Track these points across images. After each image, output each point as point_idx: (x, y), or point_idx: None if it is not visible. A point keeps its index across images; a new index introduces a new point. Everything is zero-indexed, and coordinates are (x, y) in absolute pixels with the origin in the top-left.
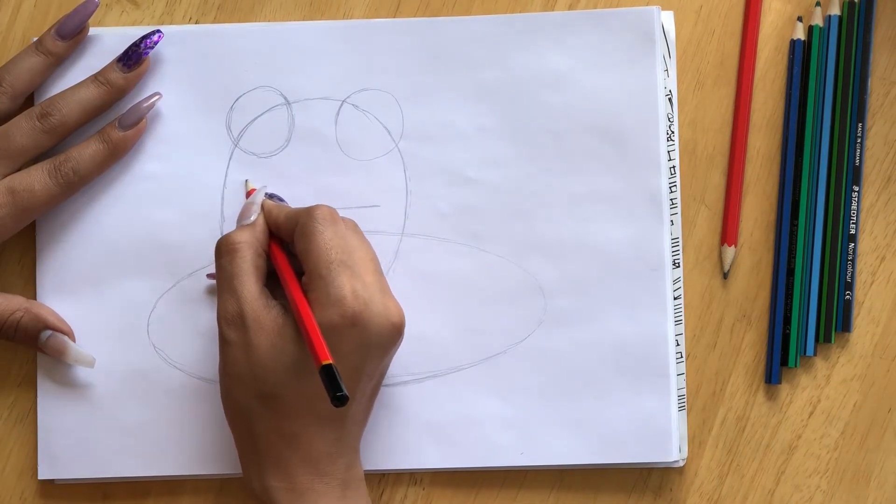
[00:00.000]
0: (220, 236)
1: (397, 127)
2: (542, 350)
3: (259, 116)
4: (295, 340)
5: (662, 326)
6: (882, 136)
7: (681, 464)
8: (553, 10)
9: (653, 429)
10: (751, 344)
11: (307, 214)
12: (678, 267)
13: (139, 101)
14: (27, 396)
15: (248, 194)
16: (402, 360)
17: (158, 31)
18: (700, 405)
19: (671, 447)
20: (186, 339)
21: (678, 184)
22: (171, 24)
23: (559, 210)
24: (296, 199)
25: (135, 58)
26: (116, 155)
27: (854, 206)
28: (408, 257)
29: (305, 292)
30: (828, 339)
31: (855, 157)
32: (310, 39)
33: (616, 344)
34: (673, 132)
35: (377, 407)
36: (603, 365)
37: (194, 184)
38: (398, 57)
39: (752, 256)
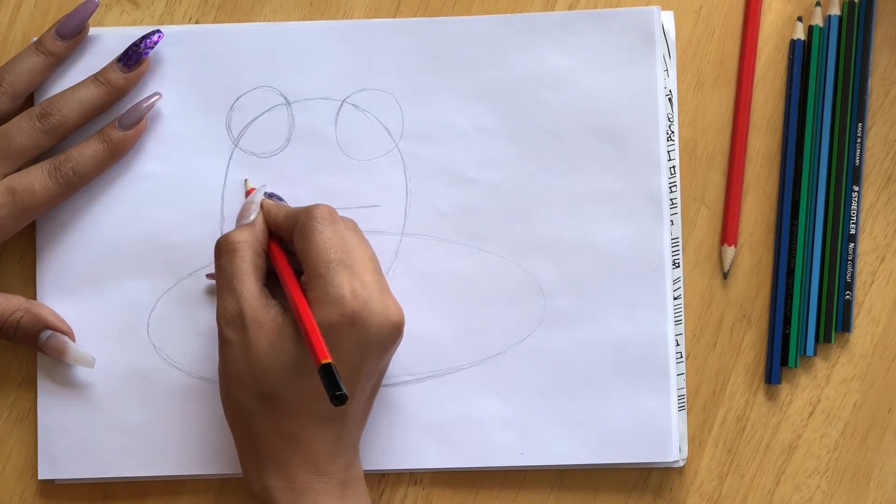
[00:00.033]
0: (219, 236)
1: (397, 127)
2: (542, 350)
3: (259, 116)
4: (294, 340)
5: (662, 326)
6: (882, 136)
7: (681, 464)
8: (553, 10)
9: (653, 429)
10: (751, 344)
11: (306, 214)
12: (678, 267)
13: (139, 101)
14: (27, 396)
15: (248, 194)
16: (402, 360)
17: (158, 31)
18: (700, 405)
19: (671, 447)
20: (186, 339)
21: (678, 184)
22: (171, 24)
23: (559, 210)
24: (296, 199)
25: (135, 58)
26: (116, 155)
27: (854, 206)
28: (408, 257)
29: (304, 291)
30: (828, 339)
31: (855, 157)
32: (310, 39)
33: (616, 344)
34: (673, 132)
35: (377, 407)
36: (603, 365)
37: (194, 184)
38: (398, 57)
39: (752, 256)
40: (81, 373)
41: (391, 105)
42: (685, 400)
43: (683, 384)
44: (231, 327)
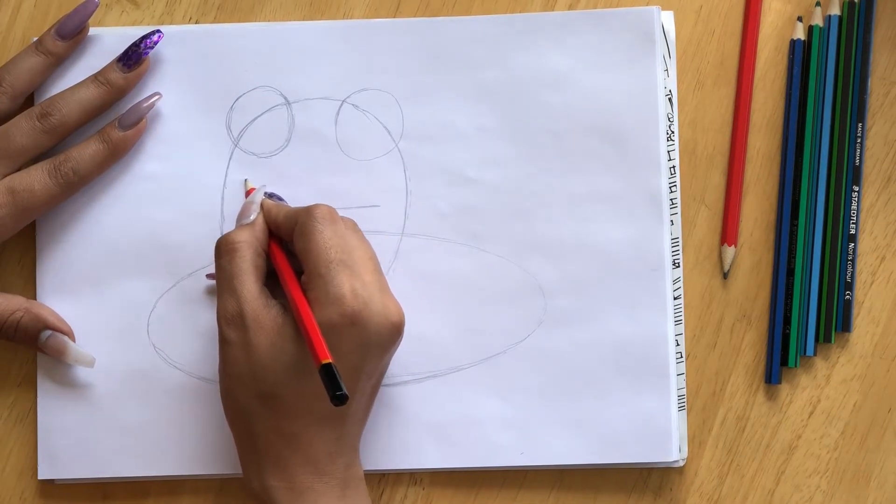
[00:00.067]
0: (219, 236)
1: (397, 127)
2: (542, 350)
3: (259, 116)
4: (294, 340)
5: (662, 326)
6: (882, 136)
7: (681, 464)
8: (553, 10)
9: (653, 429)
10: (751, 344)
11: (306, 214)
12: (678, 267)
13: (139, 101)
14: (27, 396)
15: (248, 194)
16: (402, 360)
17: (158, 31)
18: (700, 405)
19: (671, 447)
20: (186, 339)
21: (678, 184)
22: (171, 24)
23: (559, 210)
24: (296, 199)
25: (135, 58)
26: (116, 155)
27: (854, 206)
28: (408, 257)
29: (305, 291)
30: (828, 339)
31: (855, 157)
32: (310, 39)
33: (616, 344)
34: (673, 132)
35: (377, 407)
36: (603, 365)
37: (194, 184)
38: (398, 57)
39: (752, 256)
40: (81, 373)
41: (391, 105)
42: (685, 400)
43: (683, 384)
44: (231, 327)
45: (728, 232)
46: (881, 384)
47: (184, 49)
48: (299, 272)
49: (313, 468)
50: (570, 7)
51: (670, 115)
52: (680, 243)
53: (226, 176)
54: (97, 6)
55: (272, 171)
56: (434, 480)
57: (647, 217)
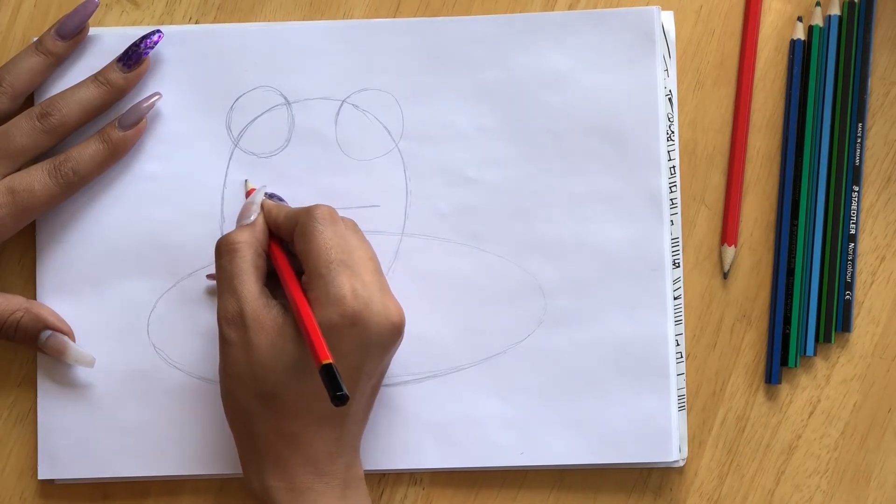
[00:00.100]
0: (220, 236)
1: (397, 127)
2: (542, 350)
3: (259, 116)
4: (295, 340)
5: (662, 326)
6: (882, 136)
7: (681, 464)
8: (553, 10)
9: (653, 429)
10: (751, 344)
11: (307, 214)
12: (678, 267)
13: (139, 101)
14: (27, 396)
15: (248, 194)
16: (402, 360)
17: (158, 31)
18: (700, 405)
19: (671, 447)
20: (186, 339)
21: (678, 184)
22: (171, 24)
23: (559, 210)
24: (296, 199)
25: (135, 58)
26: (116, 155)
27: (854, 206)
28: (408, 257)
29: (305, 292)
30: (828, 339)
31: (855, 157)
32: (310, 39)
33: (616, 344)
34: (673, 132)
35: (377, 407)
36: (603, 365)
37: (194, 184)
38: (398, 57)
39: (752, 256)
40: (81, 373)
41: (391, 105)
42: (685, 400)
43: (683, 384)
44: (232, 327)
45: (728, 232)
46: (881, 384)
47: (184, 49)
48: (300, 272)
49: (313, 468)
50: (570, 7)
51: (670, 115)
52: (680, 243)
53: (226, 176)
54: (97, 6)
55: (272, 171)
56: (434, 480)
57: (647, 217)
